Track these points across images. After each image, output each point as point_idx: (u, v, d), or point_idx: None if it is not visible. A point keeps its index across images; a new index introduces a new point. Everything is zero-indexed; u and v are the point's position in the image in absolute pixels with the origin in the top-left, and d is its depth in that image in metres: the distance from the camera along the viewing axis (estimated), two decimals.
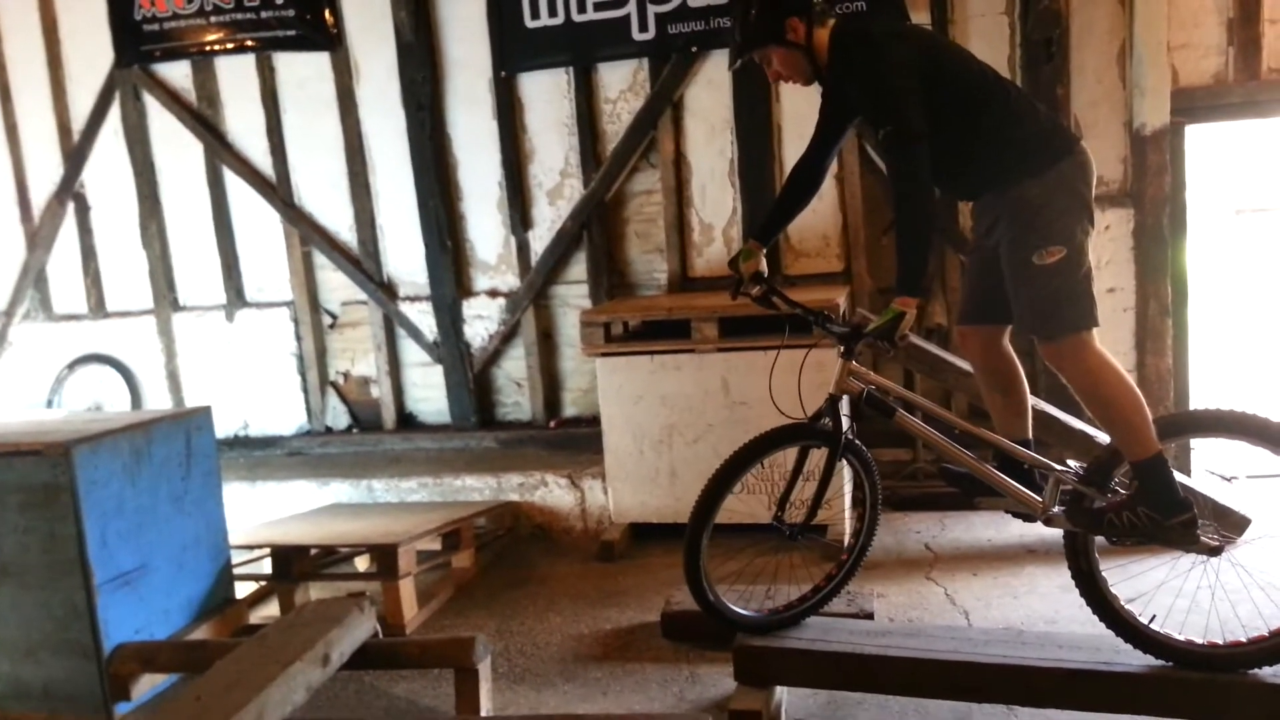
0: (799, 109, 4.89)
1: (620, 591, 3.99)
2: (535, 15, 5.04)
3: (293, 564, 3.94)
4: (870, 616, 3.27)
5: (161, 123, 5.66)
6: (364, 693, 3.29)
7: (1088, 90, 4.62)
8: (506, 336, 5.46)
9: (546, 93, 5.20)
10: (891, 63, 2.69)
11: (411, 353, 5.63)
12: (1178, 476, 2.72)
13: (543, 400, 5.42)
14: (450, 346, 5.46)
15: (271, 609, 4.01)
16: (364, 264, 5.55)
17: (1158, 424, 2.67)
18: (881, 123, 2.70)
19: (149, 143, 5.70)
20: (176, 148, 5.67)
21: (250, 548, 3.98)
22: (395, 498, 4.96)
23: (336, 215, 5.56)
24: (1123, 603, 2.71)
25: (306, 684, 2.69)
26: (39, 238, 5.94)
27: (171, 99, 5.60)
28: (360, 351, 5.72)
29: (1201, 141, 4.78)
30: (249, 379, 5.81)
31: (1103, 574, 2.73)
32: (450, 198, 5.40)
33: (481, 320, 5.46)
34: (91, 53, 5.66)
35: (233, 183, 5.64)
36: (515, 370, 5.50)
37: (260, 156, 5.58)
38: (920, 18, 4.66)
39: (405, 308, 5.55)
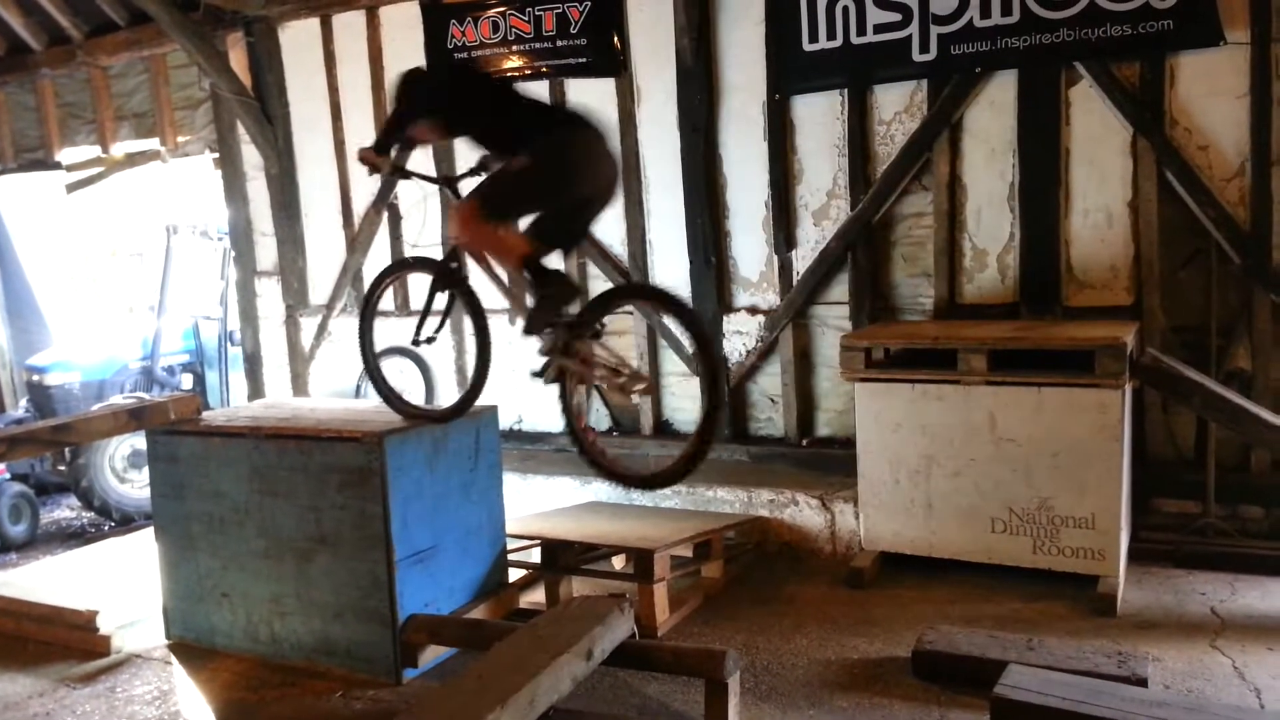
0: (1091, 131, 4.64)
1: (869, 621, 3.96)
2: (814, 39, 5.08)
3: (559, 556, 4.25)
4: (1144, 683, 3.06)
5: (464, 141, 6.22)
6: (618, 688, 3.50)
7: None
8: (764, 353, 5.54)
9: (819, 114, 5.23)
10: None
11: (671, 363, 5.85)
12: None
13: (796, 418, 5.46)
14: None
15: (537, 595, 4.33)
16: (632, 276, 5.82)
17: None
18: None
19: (454, 160, 6.29)
20: None
21: (523, 537, 4.32)
22: (650, 501, 5.18)
23: (610, 230, 5.88)
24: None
25: (572, 675, 2.92)
26: (357, 242, 6.72)
27: None
28: (624, 358, 6.01)
29: None
30: (525, 377, 6.25)
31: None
32: (717, 216, 5.56)
33: (740, 336, 5.58)
34: None
35: None
36: (770, 387, 5.58)
37: None
38: (1238, 35, 4.28)
39: (668, 320, 5.78)
